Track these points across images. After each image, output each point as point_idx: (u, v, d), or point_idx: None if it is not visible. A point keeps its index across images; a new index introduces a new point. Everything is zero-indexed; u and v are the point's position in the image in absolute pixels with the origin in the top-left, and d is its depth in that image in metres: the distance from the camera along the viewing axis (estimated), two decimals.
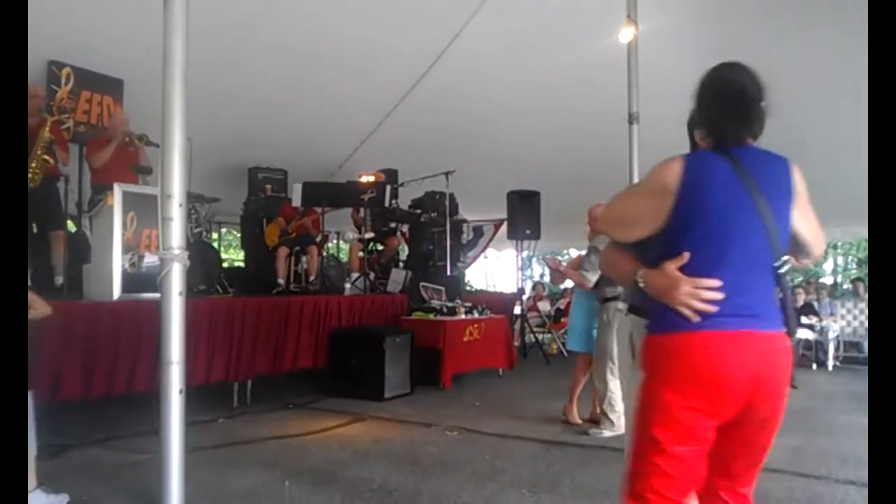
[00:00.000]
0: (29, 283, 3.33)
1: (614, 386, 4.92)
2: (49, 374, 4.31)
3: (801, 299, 9.91)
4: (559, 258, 7.20)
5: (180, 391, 3.11)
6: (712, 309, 1.70)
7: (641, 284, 1.85)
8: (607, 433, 4.92)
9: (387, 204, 8.74)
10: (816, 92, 6.80)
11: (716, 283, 1.71)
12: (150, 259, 5.02)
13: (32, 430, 3.14)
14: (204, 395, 5.16)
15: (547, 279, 15.36)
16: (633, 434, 1.84)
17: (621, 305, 4.85)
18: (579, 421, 5.28)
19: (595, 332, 5.18)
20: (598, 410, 5.22)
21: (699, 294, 1.71)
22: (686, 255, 1.75)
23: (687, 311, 1.72)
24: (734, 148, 1.79)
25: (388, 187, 8.74)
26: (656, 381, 1.77)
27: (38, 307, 3.24)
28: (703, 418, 1.72)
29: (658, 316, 1.81)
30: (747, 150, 1.80)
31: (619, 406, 4.86)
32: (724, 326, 1.72)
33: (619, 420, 4.85)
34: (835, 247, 22.03)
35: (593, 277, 4.99)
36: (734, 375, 1.70)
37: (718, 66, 1.86)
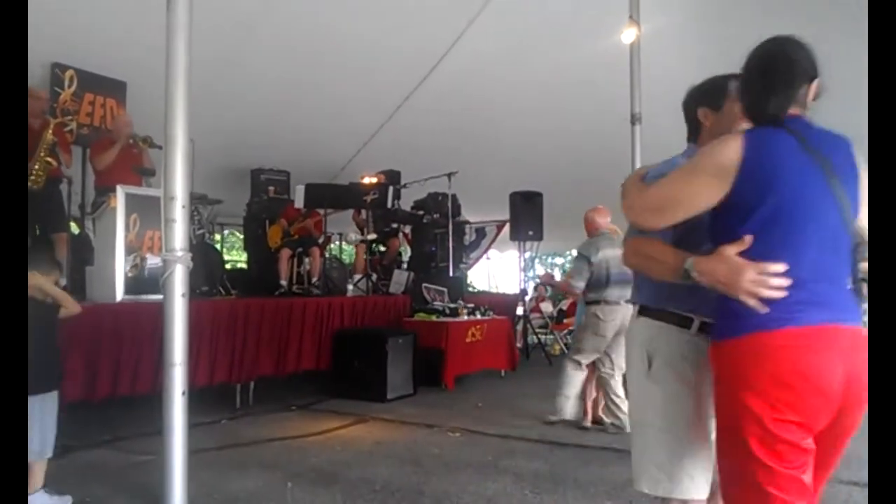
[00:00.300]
0: (56, 284, 3.43)
1: (574, 372, 5.21)
2: None
3: None
4: (550, 271, 7.44)
5: (183, 393, 3.13)
6: (780, 295, 1.52)
7: (694, 274, 1.64)
8: (553, 418, 5.27)
9: (389, 205, 8.75)
10: None
11: (782, 267, 1.53)
12: (152, 261, 5.03)
13: (53, 430, 3.19)
14: (207, 397, 5.16)
15: None
16: (726, 460, 1.66)
17: (601, 312, 4.99)
18: (588, 423, 5.26)
19: None
20: (599, 411, 5.31)
21: (766, 281, 1.52)
22: (748, 239, 1.57)
23: (752, 302, 1.53)
24: (790, 121, 1.64)
25: (391, 188, 8.76)
26: (740, 393, 1.56)
27: (70, 306, 3.34)
28: (798, 431, 1.53)
29: (727, 315, 1.63)
30: (801, 122, 1.66)
31: (569, 390, 5.21)
32: (807, 321, 1.53)
33: (565, 404, 5.22)
34: None
35: (580, 284, 5.12)
36: (828, 381, 1.52)
37: (771, 38, 1.72)
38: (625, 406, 5.00)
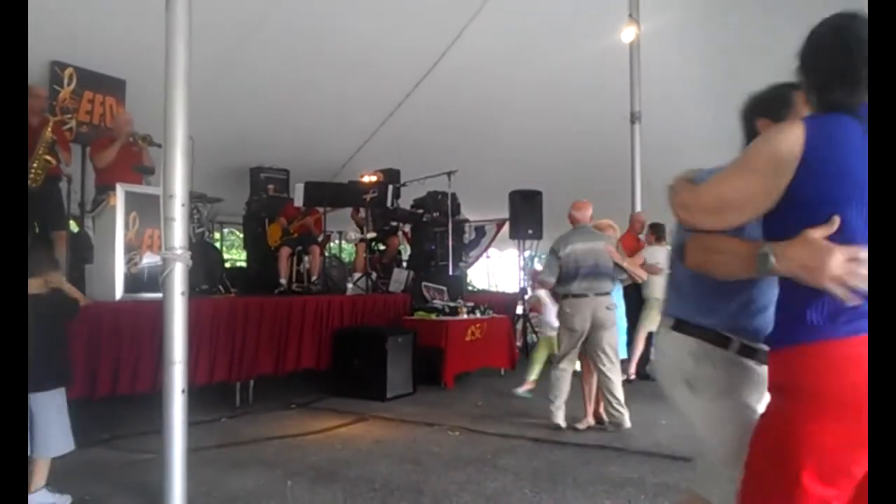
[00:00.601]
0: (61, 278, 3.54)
1: (553, 373, 5.32)
2: None
3: None
4: (536, 268, 7.60)
5: (183, 391, 3.13)
6: (864, 291, 1.35)
7: (772, 260, 1.43)
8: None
9: (389, 204, 8.76)
10: None
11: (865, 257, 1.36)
12: (152, 259, 5.03)
13: (67, 428, 3.21)
14: (206, 395, 5.17)
15: None
16: (758, 486, 1.48)
17: (568, 306, 5.13)
18: (592, 421, 5.24)
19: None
20: (599, 409, 5.29)
21: (857, 268, 1.35)
22: (837, 221, 1.38)
23: (839, 292, 1.35)
24: (858, 108, 1.47)
25: (390, 187, 8.76)
26: (804, 410, 1.40)
27: (83, 301, 3.47)
28: (860, 460, 1.37)
29: (791, 319, 1.47)
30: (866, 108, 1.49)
31: (553, 394, 5.24)
32: (865, 329, 1.37)
33: (551, 407, 5.22)
34: None
35: (550, 278, 5.27)
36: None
37: (836, 14, 1.53)
38: (623, 408, 5.00)
